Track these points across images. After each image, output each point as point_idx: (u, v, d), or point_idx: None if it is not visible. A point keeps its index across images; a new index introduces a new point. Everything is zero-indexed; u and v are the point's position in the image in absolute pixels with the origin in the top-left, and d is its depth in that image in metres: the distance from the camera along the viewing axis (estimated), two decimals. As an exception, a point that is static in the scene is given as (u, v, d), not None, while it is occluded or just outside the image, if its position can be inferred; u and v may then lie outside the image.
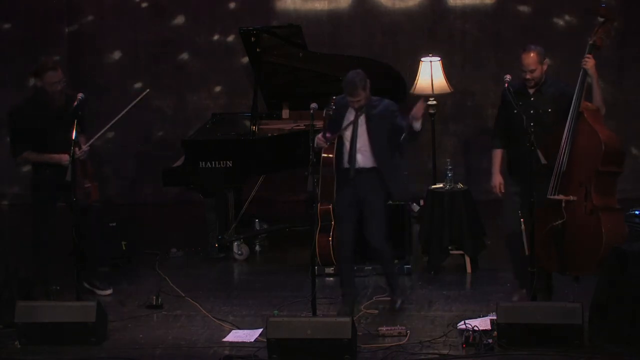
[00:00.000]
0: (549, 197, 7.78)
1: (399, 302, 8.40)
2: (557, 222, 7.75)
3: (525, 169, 7.67)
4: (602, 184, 7.76)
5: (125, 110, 8.65)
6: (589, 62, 7.77)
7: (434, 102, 10.85)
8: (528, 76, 7.89)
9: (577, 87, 7.76)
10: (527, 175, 7.65)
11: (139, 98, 8.75)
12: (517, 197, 8.02)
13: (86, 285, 8.69)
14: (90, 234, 8.72)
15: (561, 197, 7.76)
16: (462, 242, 9.38)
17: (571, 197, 7.76)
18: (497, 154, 8.22)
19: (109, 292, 8.95)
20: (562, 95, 7.87)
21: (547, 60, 7.94)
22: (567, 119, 7.78)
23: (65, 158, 8.31)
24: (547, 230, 7.78)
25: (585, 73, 7.77)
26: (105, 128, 8.71)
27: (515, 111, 7.81)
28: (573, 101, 7.75)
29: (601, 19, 7.88)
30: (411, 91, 10.77)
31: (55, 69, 8.56)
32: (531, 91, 7.95)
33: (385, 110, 8.10)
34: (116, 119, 8.63)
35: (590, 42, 7.83)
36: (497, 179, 8.17)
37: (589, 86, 7.81)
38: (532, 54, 7.87)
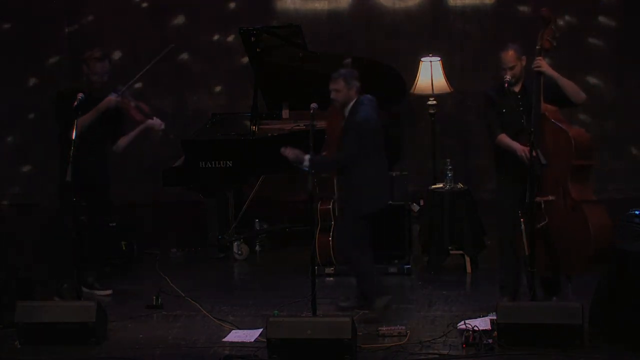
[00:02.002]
0: (528, 201, 7.75)
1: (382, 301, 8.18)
2: (540, 224, 7.75)
3: (521, 168, 7.67)
4: (578, 178, 7.79)
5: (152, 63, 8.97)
6: (542, 64, 7.79)
7: (434, 102, 10.86)
8: (509, 73, 7.90)
9: (534, 91, 7.77)
10: (522, 175, 7.65)
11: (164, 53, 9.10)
12: (512, 199, 7.98)
13: (85, 289, 8.64)
14: (92, 234, 8.72)
15: (539, 198, 7.76)
16: (462, 242, 9.39)
17: (550, 197, 7.77)
18: (505, 136, 7.94)
19: (108, 292, 8.94)
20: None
21: (524, 57, 7.98)
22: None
23: (110, 100, 8.58)
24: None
25: (540, 75, 7.77)
26: (135, 78, 8.99)
27: (504, 110, 7.85)
28: (533, 105, 7.77)
29: (544, 22, 7.91)
30: (411, 91, 10.78)
31: (102, 60, 8.65)
32: (516, 90, 7.97)
33: (358, 122, 8.00)
34: (145, 69, 8.96)
35: (538, 47, 7.86)
36: (520, 146, 7.79)
37: (551, 86, 7.79)
38: (510, 52, 7.94)
